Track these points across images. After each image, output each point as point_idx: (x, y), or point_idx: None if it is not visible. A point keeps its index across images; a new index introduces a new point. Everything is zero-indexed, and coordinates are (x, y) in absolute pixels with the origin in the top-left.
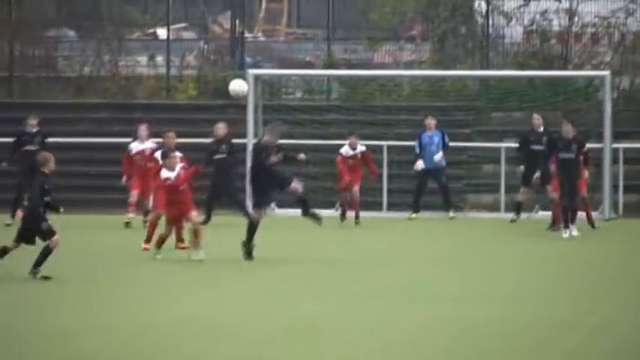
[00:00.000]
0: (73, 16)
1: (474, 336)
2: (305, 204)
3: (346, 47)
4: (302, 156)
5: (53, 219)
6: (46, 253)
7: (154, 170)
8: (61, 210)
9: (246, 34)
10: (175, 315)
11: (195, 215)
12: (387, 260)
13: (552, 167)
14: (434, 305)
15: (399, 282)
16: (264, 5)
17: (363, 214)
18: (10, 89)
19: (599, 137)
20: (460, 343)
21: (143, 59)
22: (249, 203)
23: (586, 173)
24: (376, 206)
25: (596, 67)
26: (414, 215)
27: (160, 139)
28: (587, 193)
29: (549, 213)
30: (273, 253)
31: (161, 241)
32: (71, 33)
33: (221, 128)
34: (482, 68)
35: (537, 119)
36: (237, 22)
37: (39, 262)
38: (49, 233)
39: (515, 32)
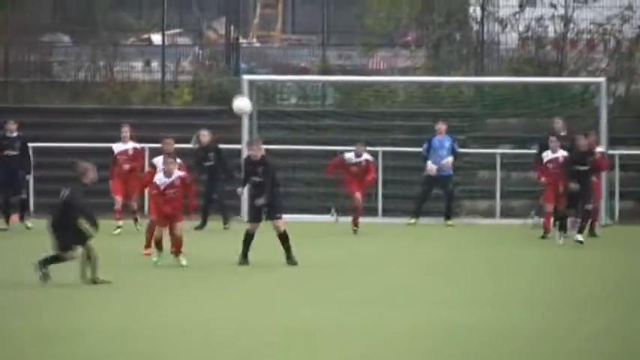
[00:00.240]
0: (67, 21)
1: (471, 340)
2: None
3: (341, 53)
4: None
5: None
6: (60, 258)
7: (149, 175)
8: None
9: (241, 40)
10: (171, 319)
11: (180, 227)
12: (381, 265)
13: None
14: (428, 309)
15: (392, 286)
16: (258, 11)
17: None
18: (5, 94)
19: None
20: (457, 347)
21: (138, 65)
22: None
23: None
24: (371, 212)
25: (591, 74)
26: (413, 221)
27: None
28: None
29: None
30: (269, 258)
31: (157, 244)
32: (66, 38)
33: (205, 135)
34: (477, 74)
35: (558, 123)
36: (231, 27)
37: (48, 261)
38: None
39: (510, 38)
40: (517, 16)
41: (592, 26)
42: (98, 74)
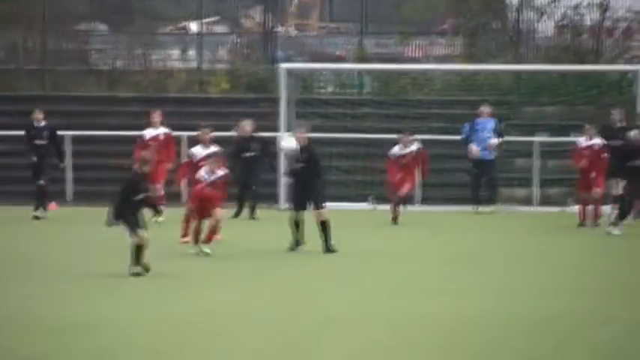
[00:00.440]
0: (104, 10)
1: (501, 328)
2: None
3: (378, 41)
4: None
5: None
6: (138, 248)
7: (186, 167)
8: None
9: (278, 28)
10: (209, 307)
11: (219, 214)
12: (417, 254)
13: (584, 162)
14: (466, 298)
15: (428, 275)
16: None
17: None
18: (42, 82)
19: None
20: (491, 335)
21: (174, 53)
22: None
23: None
24: (410, 200)
25: (628, 62)
26: (479, 209)
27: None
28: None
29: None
30: (309, 247)
31: (196, 235)
32: (103, 27)
33: (248, 125)
34: (514, 63)
35: (615, 114)
36: (268, 15)
37: (135, 260)
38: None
39: (547, 27)
40: (554, 4)
41: (629, 14)
42: (135, 62)
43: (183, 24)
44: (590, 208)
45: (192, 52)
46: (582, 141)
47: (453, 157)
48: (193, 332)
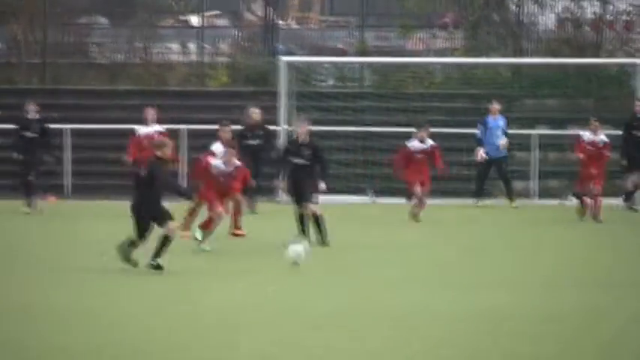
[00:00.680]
0: (105, 3)
1: (509, 322)
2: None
3: (379, 35)
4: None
5: (93, 205)
6: (165, 242)
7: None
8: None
9: (279, 22)
10: (209, 303)
11: (219, 212)
12: (416, 247)
13: (583, 155)
14: (468, 292)
15: (428, 269)
16: None
17: (397, 200)
18: (42, 76)
19: None
20: (498, 329)
21: (175, 46)
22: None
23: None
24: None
25: (628, 55)
26: (480, 203)
27: (190, 125)
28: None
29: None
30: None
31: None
32: (103, 20)
33: (256, 113)
34: (514, 56)
35: (639, 105)
36: (269, 9)
37: (158, 253)
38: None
39: (548, 20)
40: None
41: (630, 7)
42: (135, 56)
43: (184, 17)
44: (589, 202)
45: (192, 46)
46: (586, 135)
47: (453, 150)
48: (190, 328)
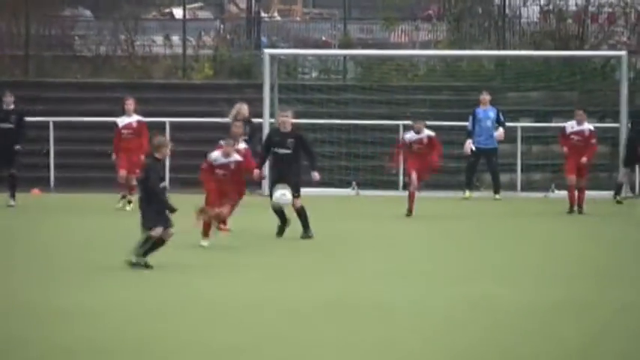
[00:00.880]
0: None
1: (497, 314)
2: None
3: (362, 27)
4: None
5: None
6: (149, 243)
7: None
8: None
9: (263, 14)
10: (191, 294)
11: (225, 208)
12: (402, 238)
13: (565, 149)
14: (457, 284)
15: (420, 260)
16: None
17: (381, 192)
18: (26, 68)
19: (616, 116)
20: (479, 322)
21: (159, 39)
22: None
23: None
24: (393, 185)
25: (612, 47)
26: (467, 194)
27: (174, 118)
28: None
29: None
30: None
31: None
32: (87, 12)
33: (245, 108)
34: (498, 48)
35: None
36: (253, 1)
37: (146, 252)
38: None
39: (531, 12)
40: None
41: (613, 0)
42: (119, 48)
43: (168, 9)
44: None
45: (176, 38)
46: (571, 125)
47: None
48: (175, 320)
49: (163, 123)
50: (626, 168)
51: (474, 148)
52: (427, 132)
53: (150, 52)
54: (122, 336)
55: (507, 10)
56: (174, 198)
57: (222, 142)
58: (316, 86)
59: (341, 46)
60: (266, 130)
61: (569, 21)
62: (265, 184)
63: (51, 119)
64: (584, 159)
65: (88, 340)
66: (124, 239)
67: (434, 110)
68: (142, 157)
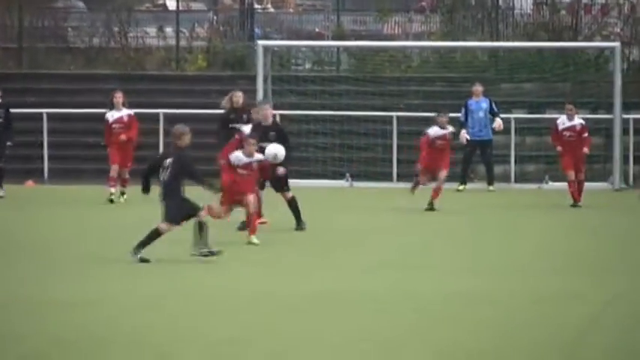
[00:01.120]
0: None
1: (487, 307)
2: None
3: (355, 18)
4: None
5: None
6: (152, 237)
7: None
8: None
9: (256, 6)
10: (179, 287)
11: (251, 201)
12: (394, 231)
13: (559, 148)
14: (449, 276)
15: (412, 252)
16: None
17: (374, 184)
18: (19, 60)
19: (609, 108)
20: (473, 314)
21: (152, 30)
22: None
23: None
24: (386, 177)
25: (606, 39)
26: (461, 187)
27: (168, 110)
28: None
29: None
30: (282, 226)
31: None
32: (80, 4)
33: (239, 97)
34: (491, 39)
35: None
36: None
37: (143, 244)
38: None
39: (524, 3)
40: None
41: None
42: (112, 40)
43: (161, 1)
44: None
45: (169, 30)
46: (562, 122)
47: None
48: (170, 311)
49: (157, 114)
50: None
51: (469, 138)
52: (451, 128)
53: (143, 43)
54: (117, 326)
55: (501, 2)
56: None
57: (246, 139)
58: (309, 78)
59: (334, 38)
60: None
61: (563, 12)
62: None
63: (44, 111)
64: (585, 149)
65: (83, 331)
66: (118, 231)
67: (427, 101)
68: (132, 150)
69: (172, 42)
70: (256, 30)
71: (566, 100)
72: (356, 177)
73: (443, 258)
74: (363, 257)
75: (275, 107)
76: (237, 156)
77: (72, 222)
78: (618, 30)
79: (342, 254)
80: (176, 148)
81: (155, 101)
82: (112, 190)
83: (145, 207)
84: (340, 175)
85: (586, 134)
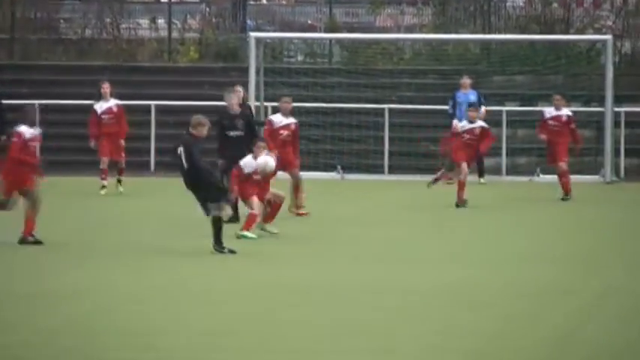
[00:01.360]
0: None
1: (480, 299)
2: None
3: (348, 11)
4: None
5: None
6: (218, 226)
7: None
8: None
9: None
10: (176, 279)
11: (256, 203)
12: (385, 223)
13: (543, 137)
14: (441, 268)
15: (404, 244)
16: None
17: (366, 177)
18: (11, 51)
19: (601, 101)
20: (472, 306)
21: (144, 22)
22: None
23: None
24: (378, 169)
25: (598, 31)
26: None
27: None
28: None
29: (552, 177)
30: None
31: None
32: None
33: (240, 92)
34: (483, 32)
35: None
36: None
37: (217, 238)
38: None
39: None
40: None
41: None
42: (104, 31)
43: None
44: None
45: (161, 21)
46: (549, 111)
47: (422, 126)
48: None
49: (149, 106)
50: None
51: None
52: (480, 122)
53: (135, 35)
54: (106, 318)
55: None
56: (159, 182)
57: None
58: (302, 70)
59: (327, 30)
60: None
61: (555, 5)
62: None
63: (36, 102)
64: (577, 146)
65: (72, 322)
66: (110, 221)
67: (419, 94)
68: (122, 141)
69: (164, 33)
70: (248, 22)
71: (555, 92)
72: (347, 169)
73: (433, 250)
74: (352, 249)
75: (267, 99)
76: (248, 163)
77: (63, 213)
78: (610, 23)
79: (332, 246)
80: (189, 137)
81: (147, 93)
82: (104, 182)
83: (140, 199)
84: (332, 168)
85: (572, 126)
